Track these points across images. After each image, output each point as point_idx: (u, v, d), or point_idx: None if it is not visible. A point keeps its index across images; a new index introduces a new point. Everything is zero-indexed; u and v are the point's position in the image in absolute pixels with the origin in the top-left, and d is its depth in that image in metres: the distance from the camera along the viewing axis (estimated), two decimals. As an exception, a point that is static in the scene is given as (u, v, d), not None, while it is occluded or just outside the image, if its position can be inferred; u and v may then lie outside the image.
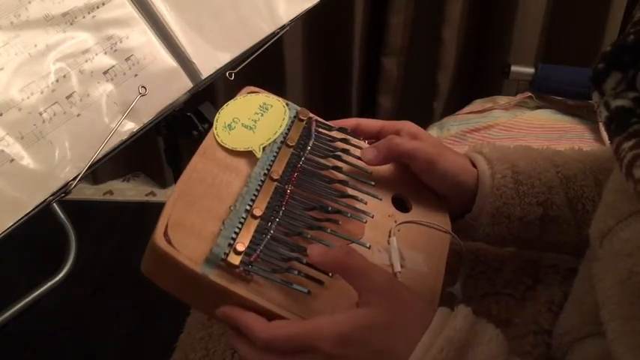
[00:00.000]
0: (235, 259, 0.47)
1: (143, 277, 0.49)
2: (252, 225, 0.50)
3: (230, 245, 0.48)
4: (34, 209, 0.59)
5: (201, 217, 0.49)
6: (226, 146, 0.55)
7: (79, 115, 0.65)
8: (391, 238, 0.55)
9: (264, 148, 0.55)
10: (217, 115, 0.57)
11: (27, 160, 0.60)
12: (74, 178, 0.62)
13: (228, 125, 0.56)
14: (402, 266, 0.53)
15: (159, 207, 0.49)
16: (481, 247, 0.67)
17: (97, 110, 0.66)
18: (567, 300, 0.58)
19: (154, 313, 1.38)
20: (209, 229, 0.49)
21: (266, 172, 0.54)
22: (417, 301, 0.48)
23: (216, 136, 0.55)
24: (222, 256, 0.47)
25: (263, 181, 0.53)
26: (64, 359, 1.32)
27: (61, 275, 1.46)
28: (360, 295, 0.47)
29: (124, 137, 0.67)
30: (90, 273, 1.48)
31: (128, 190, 1.81)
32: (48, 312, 1.37)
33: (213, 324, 0.66)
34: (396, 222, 0.57)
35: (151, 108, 0.70)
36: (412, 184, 0.60)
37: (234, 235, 0.49)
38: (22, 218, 0.58)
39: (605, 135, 1.07)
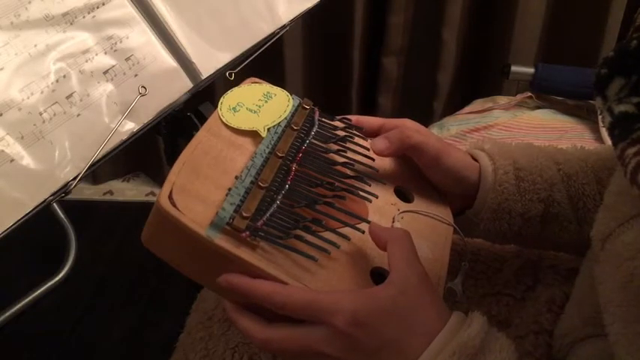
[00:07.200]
0: (241, 223, 0.46)
1: (143, 277, 0.48)
2: (259, 195, 0.49)
3: (236, 211, 0.47)
4: (34, 209, 0.59)
5: (206, 186, 0.49)
6: (231, 125, 0.55)
7: (79, 115, 0.64)
8: (395, 223, 0.55)
9: (268, 129, 0.55)
10: (222, 99, 0.57)
11: (27, 160, 0.60)
12: (74, 178, 0.62)
13: (233, 108, 0.57)
14: None
15: (159, 207, 0.48)
16: (481, 248, 0.67)
17: (97, 110, 0.66)
18: (568, 301, 0.57)
19: (154, 313, 1.38)
20: (214, 197, 0.48)
21: (271, 150, 0.54)
22: (439, 300, 0.47)
23: (221, 117, 0.55)
24: (228, 220, 0.46)
25: (268, 158, 0.53)
26: (64, 359, 1.32)
27: (61, 275, 1.45)
28: (392, 263, 0.46)
29: (124, 137, 0.67)
30: (90, 273, 1.48)
31: (128, 190, 1.81)
32: (48, 312, 1.37)
33: (213, 324, 0.66)
34: (399, 210, 0.57)
35: (151, 108, 0.70)
36: (414, 178, 0.60)
37: (239, 203, 0.48)
38: (22, 218, 0.58)
39: (605, 135, 1.07)
